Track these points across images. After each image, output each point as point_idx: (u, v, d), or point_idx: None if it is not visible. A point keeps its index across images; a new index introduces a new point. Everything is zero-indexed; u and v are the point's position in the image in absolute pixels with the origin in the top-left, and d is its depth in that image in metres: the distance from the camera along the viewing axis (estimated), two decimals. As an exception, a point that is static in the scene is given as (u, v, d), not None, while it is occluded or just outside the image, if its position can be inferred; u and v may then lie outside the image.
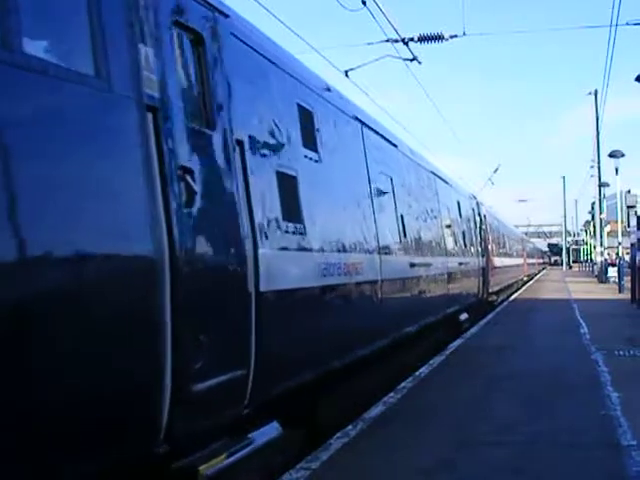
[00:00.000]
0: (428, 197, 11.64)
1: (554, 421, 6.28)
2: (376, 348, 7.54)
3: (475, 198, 19.16)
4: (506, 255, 28.11)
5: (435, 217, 11.92)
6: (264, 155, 5.04)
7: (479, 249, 17.58)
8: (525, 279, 40.32)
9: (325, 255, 5.89)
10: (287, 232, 5.15)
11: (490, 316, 17.75)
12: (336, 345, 6.18)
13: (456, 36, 15.11)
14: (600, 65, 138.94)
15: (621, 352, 10.45)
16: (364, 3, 11.42)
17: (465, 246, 15.10)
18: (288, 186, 5.31)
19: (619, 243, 32.58)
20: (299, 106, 5.86)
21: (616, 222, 35.30)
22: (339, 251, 6.31)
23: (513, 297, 26.58)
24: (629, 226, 28.16)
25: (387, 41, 14.43)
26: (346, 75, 14.74)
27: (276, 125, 5.27)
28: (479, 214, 18.78)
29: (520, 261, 37.36)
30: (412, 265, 9.30)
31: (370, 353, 7.32)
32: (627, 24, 15.82)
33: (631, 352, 10.47)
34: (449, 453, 5.34)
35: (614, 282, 30.66)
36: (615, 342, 11.47)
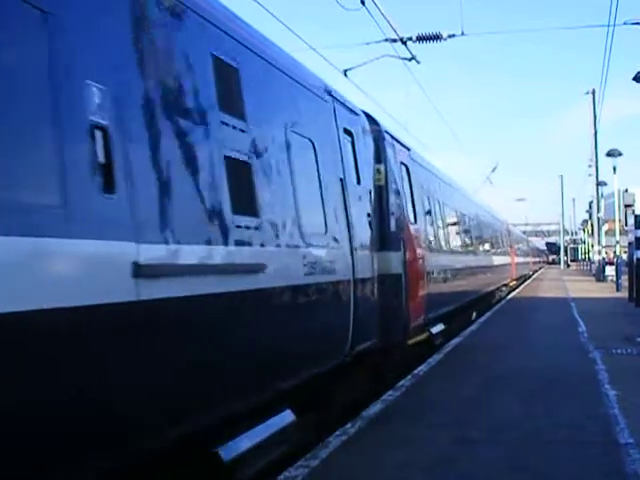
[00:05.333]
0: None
1: (552, 418, 6.32)
2: None
3: (376, 123, 8.97)
4: (473, 251, 18.32)
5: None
6: None
7: (369, 234, 7.76)
8: (513, 284, 32.17)
9: None
10: None
11: (488, 314, 17.77)
12: None
13: (454, 35, 15.15)
14: (598, 64, 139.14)
15: (619, 350, 10.49)
16: (363, 3, 11.45)
17: (283, 227, 5.37)
18: None
19: (617, 242, 32.59)
20: None
21: (614, 221, 35.31)
22: None
23: (511, 295, 26.60)
24: (627, 225, 28.13)
25: (386, 40, 14.47)
26: (345, 74, 14.79)
27: None
28: (383, 160, 8.76)
29: (505, 260, 27.52)
30: None
31: None
32: (625, 24, 15.86)
33: (628, 350, 10.51)
34: (448, 450, 5.37)
35: (612, 281, 30.72)
36: (613, 340, 11.50)
